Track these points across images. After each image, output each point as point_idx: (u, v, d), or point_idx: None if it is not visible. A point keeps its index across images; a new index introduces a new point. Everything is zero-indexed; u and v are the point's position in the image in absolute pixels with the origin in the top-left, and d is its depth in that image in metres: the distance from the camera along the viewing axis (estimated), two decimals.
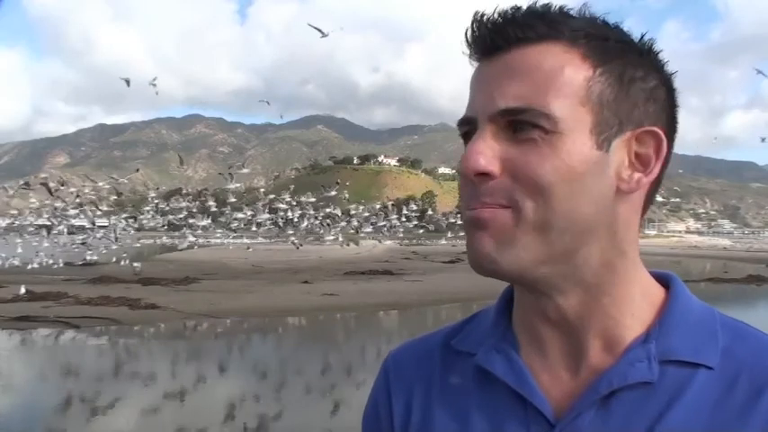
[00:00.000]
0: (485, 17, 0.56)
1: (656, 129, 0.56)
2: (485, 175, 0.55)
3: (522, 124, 0.54)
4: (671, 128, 0.58)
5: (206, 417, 7.71)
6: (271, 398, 8.62)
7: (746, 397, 0.53)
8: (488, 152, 0.55)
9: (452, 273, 26.65)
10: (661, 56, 0.58)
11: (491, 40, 0.56)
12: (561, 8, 0.56)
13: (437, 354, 0.68)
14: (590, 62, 0.55)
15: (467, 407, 0.62)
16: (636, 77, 0.56)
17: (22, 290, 16.75)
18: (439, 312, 17.39)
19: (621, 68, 0.56)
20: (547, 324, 0.59)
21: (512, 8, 0.56)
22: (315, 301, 16.99)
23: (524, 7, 0.56)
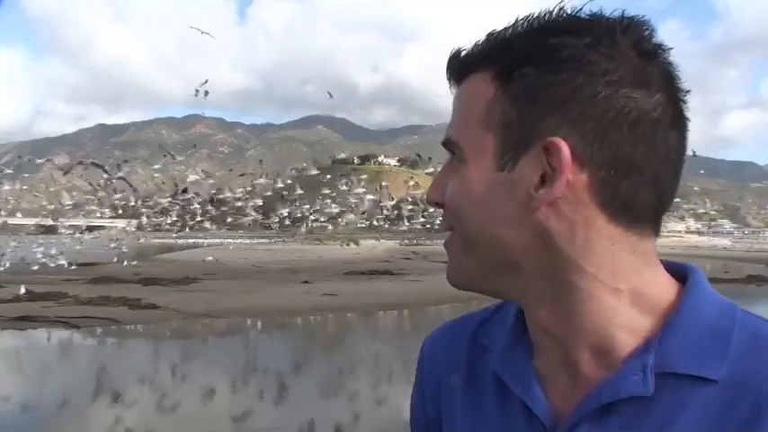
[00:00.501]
0: (454, 54, 0.60)
1: (551, 139, 0.53)
2: (436, 204, 0.60)
3: (452, 153, 0.59)
4: (613, 121, 0.53)
5: (206, 416, 7.71)
6: (271, 398, 8.62)
7: (748, 416, 0.50)
8: (437, 183, 0.61)
9: None
10: (630, 37, 0.55)
11: (450, 75, 0.60)
12: (492, 35, 0.57)
13: (465, 344, 0.68)
14: (495, 84, 0.56)
15: (484, 406, 0.63)
16: (549, 83, 0.53)
17: (22, 290, 16.75)
18: (439, 312, 17.39)
19: (530, 80, 0.54)
20: (541, 332, 0.59)
21: (473, 46, 0.59)
22: (315, 301, 16.98)
23: (478, 40, 0.58)
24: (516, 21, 0.57)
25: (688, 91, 0.56)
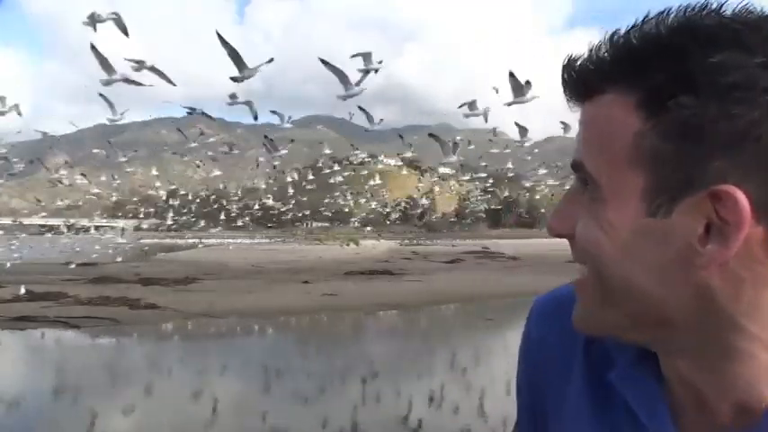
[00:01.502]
0: (569, 65, 0.51)
1: (723, 187, 0.44)
2: (562, 236, 0.53)
3: (583, 182, 0.51)
4: None
5: (206, 416, 7.71)
6: (270, 398, 8.62)
7: None
8: (564, 212, 0.53)
9: (452, 273, 26.66)
10: None
11: (570, 94, 0.52)
12: (625, 39, 0.47)
13: (582, 336, 0.60)
14: (641, 113, 0.46)
15: (604, 422, 0.57)
16: (716, 117, 0.43)
17: (22, 290, 16.75)
18: (439, 312, 17.39)
19: (689, 111, 0.44)
20: (675, 373, 0.53)
21: (593, 54, 0.49)
22: (315, 301, 16.98)
23: (595, 45, 0.49)
24: (652, 19, 0.47)
25: None
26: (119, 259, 30.93)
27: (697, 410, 0.52)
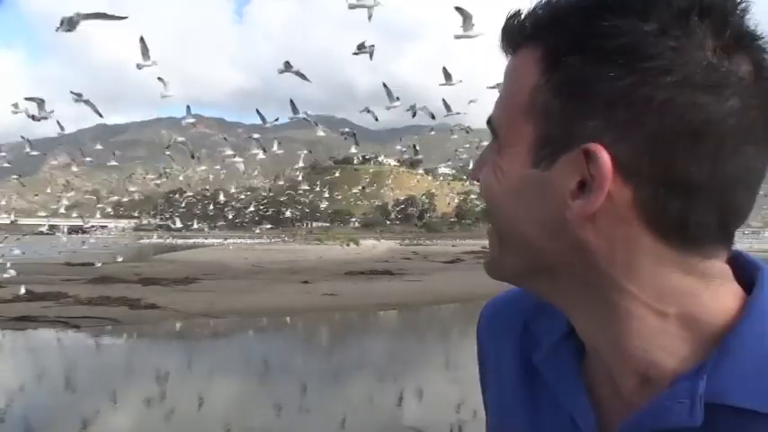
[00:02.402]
0: (509, 18, 0.52)
1: (591, 144, 0.45)
2: (478, 180, 0.55)
3: (493, 134, 0.53)
4: (670, 130, 0.44)
5: (206, 417, 7.72)
6: (270, 398, 8.63)
7: None
8: (478, 165, 0.55)
9: (452, 273, 26.68)
10: (711, 24, 0.45)
11: (503, 43, 0.53)
12: (550, 1, 0.49)
13: (519, 328, 0.63)
14: (542, 66, 0.48)
15: (537, 405, 0.58)
16: (597, 78, 0.45)
17: (22, 290, 16.75)
18: (439, 312, 17.40)
19: (575, 71, 0.46)
20: (585, 339, 0.54)
21: (529, 10, 0.51)
22: (315, 301, 16.99)
23: (537, 8, 0.50)
24: None
25: None
26: (119, 259, 30.92)
27: (610, 385, 0.52)
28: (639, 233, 0.47)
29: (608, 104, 0.45)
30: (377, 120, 18.94)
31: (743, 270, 0.50)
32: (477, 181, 0.55)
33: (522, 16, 0.51)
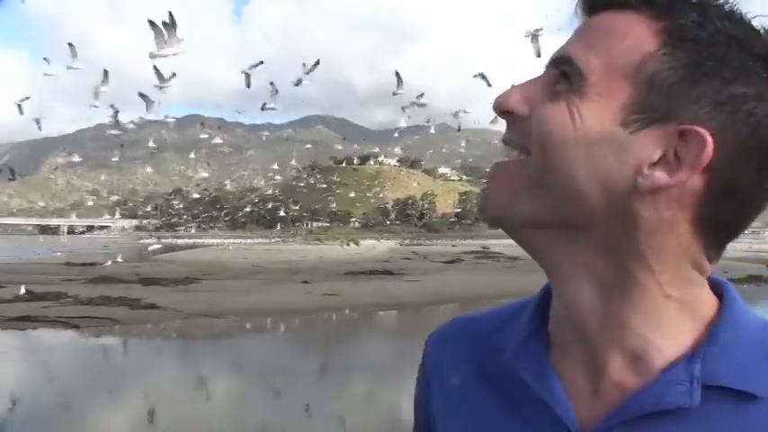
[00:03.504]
0: None
1: (700, 129, 0.48)
2: (510, 113, 0.54)
3: (564, 76, 0.52)
4: (755, 148, 0.49)
5: (206, 417, 7.72)
6: (270, 398, 8.63)
7: None
8: (522, 93, 0.54)
9: (452, 273, 26.67)
10: None
11: (588, 3, 0.54)
12: None
13: (475, 345, 0.65)
14: (660, 40, 0.50)
15: (490, 410, 0.59)
16: (716, 75, 0.48)
17: (22, 290, 16.75)
18: (439, 312, 17.40)
19: (699, 59, 0.49)
20: (569, 324, 0.55)
21: None
22: (315, 301, 16.98)
23: None
24: None
25: None
26: (119, 259, 30.93)
27: (586, 369, 0.54)
28: (684, 221, 0.50)
29: (718, 100, 0.48)
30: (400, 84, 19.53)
31: (712, 284, 0.56)
32: (508, 113, 0.54)
33: None
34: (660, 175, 0.49)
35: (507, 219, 0.54)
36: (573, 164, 0.50)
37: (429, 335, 0.71)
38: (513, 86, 0.55)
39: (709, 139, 0.47)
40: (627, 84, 0.49)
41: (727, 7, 0.50)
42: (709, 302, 0.54)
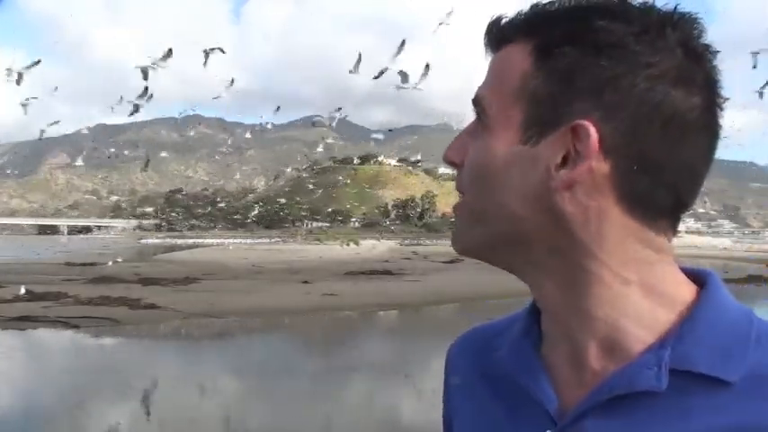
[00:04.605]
0: (494, 21, 0.59)
1: (582, 122, 0.52)
2: (452, 163, 0.60)
3: (477, 115, 0.58)
4: (646, 116, 0.52)
5: (206, 417, 7.72)
6: (270, 398, 8.63)
7: (762, 422, 0.49)
8: (458, 143, 0.60)
9: (452, 273, 26.68)
10: (680, 35, 0.53)
11: (488, 41, 0.60)
12: (538, 6, 0.57)
13: (479, 349, 0.69)
14: (533, 57, 0.55)
15: (487, 404, 0.63)
16: (589, 66, 0.52)
17: (22, 290, 16.76)
18: (439, 312, 17.40)
19: (569, 59, 0.53)
20: (550, 317, 0.59)
21: (514, 14, 0.58)
22: (315, 301, 16.99)
23: (519, 10, 0.58)
24: None
25: (727, 98, 0.55)
26: (119, 259, 30.94)
27: (571, 361, 0.57)
28: (611, 205, 0.53)
29: (596, 89, 0.52)
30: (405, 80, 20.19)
31: (696, 274, 0.58)
32: (451, 164, 0.60)
33: (511, 17, 0.58)
34: (564, 173, 0.53)
35: (469, 249, 0.60)
36: (496, 190, 0.56)
37: (450, 345, 0.75)
38: (454, 139, 0.61)
39: (592, 128, 0.51)
40: (518, 105, 0.55)
41: (605, 3, 0.54)
42: (686, 288, 0.56)
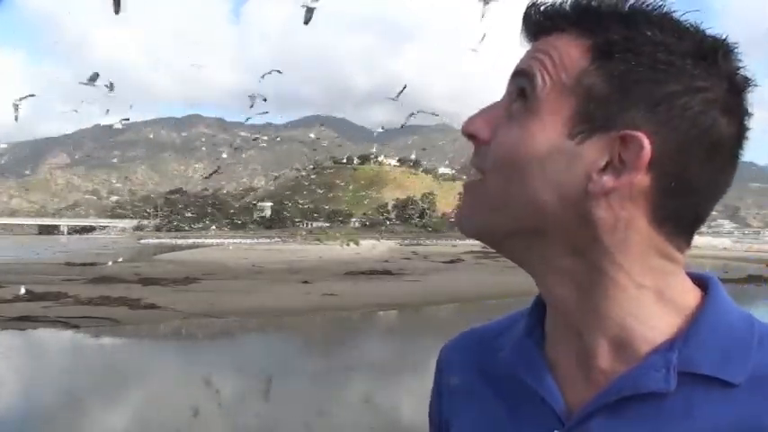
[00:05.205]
0: (532, 8, 0.59)
1: (636, 133, 0.52)
2: (474, 137, 0.59)
3: (520, 94, 0.57)
4: (696, 139, 0.52)
5: (205, 417, 7.72)
6: (270, 398, 8.63)
7: (766, 423, 0.51)
8: (485, 117, 0.58)
9: (452, 273, 26.70)
10: (728, 65, 0.54)
11: (529, 28, 0.59)
12: (592, 5, 0.56)
13: (479, 348, 0.69)
14: (591, 54, 0.55)
15: (491, 404, 0.63)
16: (648, 78, 0.53)
17: (22, 290, 16.77)
18: (439, 312, 17.39)
19: (630, 67, 0.53)
20: (560, 317, 0.59)
21: (556, 3, 0.58)
22: (315, 301, 16.99)
23: (564, 3, 0.57)
24: None
25: (750, 128, 0.57)
26: (119, 259, 30.95)
27: (578, 360, 0.58)
28: (641, 216, 0.54)
29: (652, 103, 0.52)
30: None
31: (698, 278, 0.60)
32: (472, 137, 0.59)
33: (556, 4, 0.57)
34: (607, 179, 0.53)
35: (482, 234, 0.59)
36: (529, 179, 0.55)
37: (442, 346, 0.75)
38: (479, 110, 0.59)
39: (646, 141, 0.51)
40: (569, 99, 0.54)
41: (656, 13, 0.54)
42: (692, 294, 0.57)
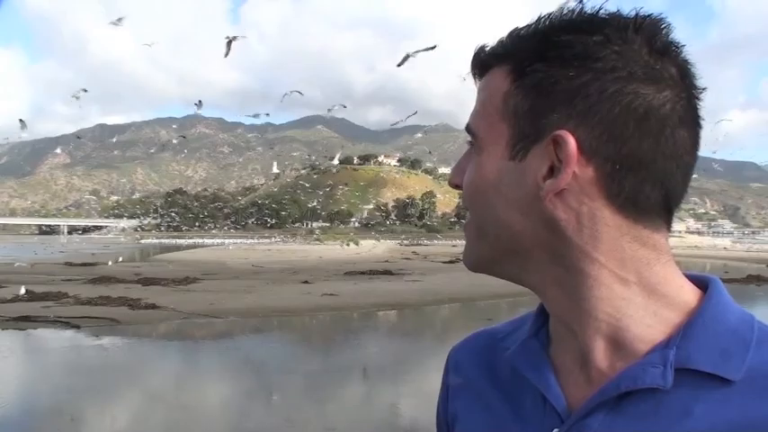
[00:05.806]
0: (478, 50, 0.63)
1: (559, 132, 0.55)
2: (457, 186, 0.64)
3: (470, 142, 0.63)
4: (620, 116, 0.54)
5: (205, 417, 7.72)
6: (270, 398, 8.63)
7: (762, 421, 0.51)
8: (457, 168, 0.64)
9: (452, 273, 26.68)
10: (644, 35, 0.56)
11: (473, 69, 0.64)
12: (514, 32, 0.60)
13: (488, 349, 0.71)
14: (510, 77, 0.58)
15: (496, 401, 0.65)
16: (558, 78, 0.56)
17: (22, 290, 16.78)
18: (439, 312, 17.40)
19: (540, 75, 0.56)
20: (557, 320, 0.61)
21: (494, 42, 0.62)
22: (315, 301, 17.00)
23: (502, 37, 0.62)
24: (538, 18, 0.59)
25: (703, 89, 0.57)
26: (119, 259, 30.95)
27: (579, 360, 0.59)
28: (601, 206, 0.56)
29: (568, 99, 0.55)
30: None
31: (700, 280, 0.60)
32: (456, 187, 0.64)
33: (491, 46, 0.62)
34: (551, 181, 0.55)
35: (478, 265, 0.63)
36: (492, 205, 0.59)
37: (452, 347, 0.77)
38: (456, 163, 0.65)
39: (568, 136, 0.54)
40: (502, 126, 0.59)
41: (565, 19, 0.58)
42: (691, 293, 0.58)
